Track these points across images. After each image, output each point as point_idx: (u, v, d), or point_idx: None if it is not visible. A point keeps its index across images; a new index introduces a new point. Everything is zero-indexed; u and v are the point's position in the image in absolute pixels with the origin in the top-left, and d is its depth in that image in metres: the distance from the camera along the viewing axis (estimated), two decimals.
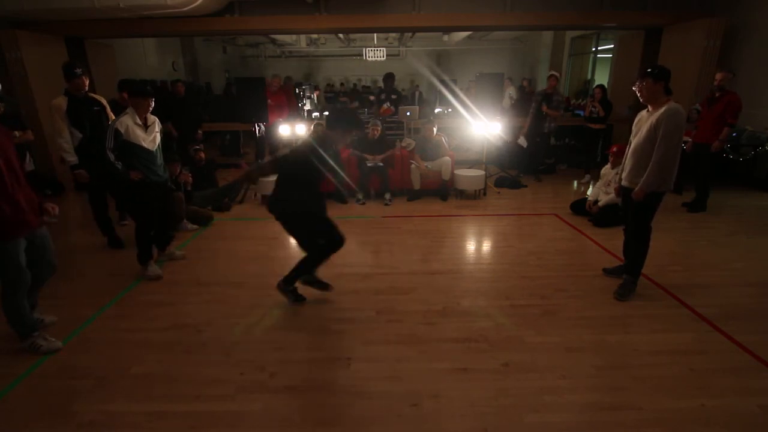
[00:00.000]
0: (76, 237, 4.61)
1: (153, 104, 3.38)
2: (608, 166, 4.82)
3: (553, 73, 6.63)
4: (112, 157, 3.25)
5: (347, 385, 2.28)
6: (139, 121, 3.32)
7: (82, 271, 3.78)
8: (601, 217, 4.60)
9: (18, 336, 2.54)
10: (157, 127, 3.50)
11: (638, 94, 2.88)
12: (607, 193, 4.65)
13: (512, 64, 14.46)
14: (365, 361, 2.47)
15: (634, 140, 2.98)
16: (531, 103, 6.76)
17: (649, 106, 2.90)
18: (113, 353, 2.56)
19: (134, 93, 3.33)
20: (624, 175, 3.10)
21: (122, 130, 3.24)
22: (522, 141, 6.70)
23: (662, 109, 2.77)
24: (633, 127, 3.05)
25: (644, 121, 2.90)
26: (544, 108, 6.44)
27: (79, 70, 3.72)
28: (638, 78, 2.85)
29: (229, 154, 8.91)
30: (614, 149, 4.67)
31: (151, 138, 3.41)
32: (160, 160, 3.51)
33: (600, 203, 4.67)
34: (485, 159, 6.15)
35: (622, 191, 3.19)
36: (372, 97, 9.75)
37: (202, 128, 6.71)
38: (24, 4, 5.57)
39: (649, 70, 2.81)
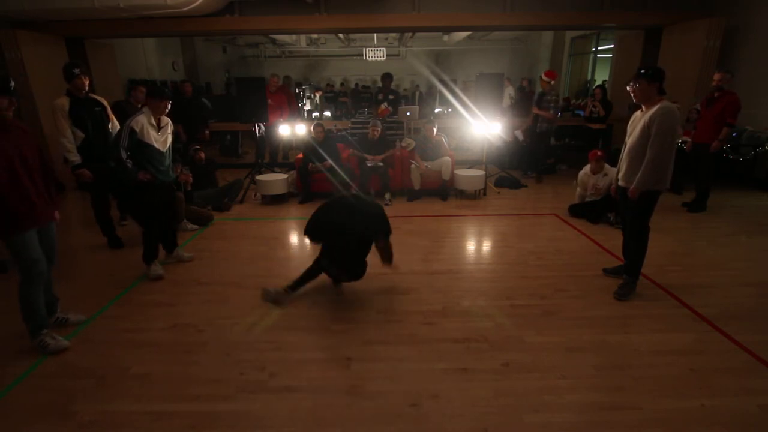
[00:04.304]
0: (76, 237, 4.61)
1: (169, 106, 3.39)
2: (587, 170, 4.84)
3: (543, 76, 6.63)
4: (124, 155, 3.25)
5: (347, 385, 2.28)
6: (153, 122, 3.34)
7: (82, 271, 3.78)
8: (591, 212, 4.72)
9: (29, 333, 2.57)
10: (170, 128, 3.52)
11: (632, 95, 2.89)
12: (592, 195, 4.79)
13: (512, 64, 14.46)
14: (365, 361, 2.47)
15: (629, 140, 3.00)
16: (530, 103, 6.79)
17: (642, 106, 2.91)
18: (113, 353, 2.56)
19: (152, 94, 3.36)
20: (620, 175, 3.11)
21: (137, 129, 3.25)
22: (518, 134, 6.72)
23: (655, 108, 2.78)
24: (628, 128, 3.07)
25: (638, 121, 2.92)
26: (534, 108, 6.49)
27: (77, 70, 3.72)
28: (632, 79, 2.85)
29: (228, 154, 8.91)
30: (599, 154, 4.72)
31: (163, 139, 3.43)
32: (169, 161, 3.51)
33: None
34: (485, 159, 6.16)
35: (618, 191, 3.20)
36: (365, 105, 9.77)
37: (209, 128, 6.71)
38: (24, 4, 5.57)
39: (643, 71, 2.82)
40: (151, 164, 3.36)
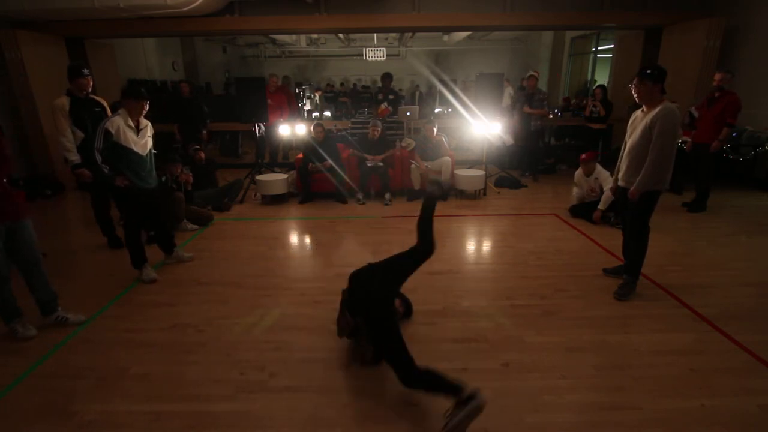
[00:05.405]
0: (76, 237, 4.61)
1: (147, 107, 3.25)
2: (580, 171, 4.85)
3: (532, 73, 6.74)
4: (99, 158, 3.10)
5: (347, 385, 2.28)
6: (131, 123, 3.18)
7: (82, 271, 3.78)
8: (591, 213, 4.71)
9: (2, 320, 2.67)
10: (149, 131, 3.37)
11: (635, 95, 2.89)
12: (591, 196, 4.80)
13: (512, 64, 14.46)
14: None
15: (629, 140, 3.00)
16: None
17: (643, 106, 2.91)
18: (113, 353, 2.56)
19: (127, 95, 3.18)
20: (620, 175, 3.12)
21: (113, 131, 3.09)
22: (507, 139, 6.73)
23: (657, 109, 2.78)
24: (628, 128, 3.06)
25: (639, 122, 2.91)
26: (526, 108, 6.53)
27: (86, 71, 3.73)
28: (636, 78, 2.84)
29: (228, 154, 8.91)
30: (583, 156, 4.72)
31: (143, 142, 3.27)
32: (150, 166, 3.36)
33: (600, 205, 4.67)
34: (485, 159, 6.16)
35: (618, 191, 3.20)
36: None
37: (207, 128, 6.70)
38: (24, 4, 5.57)
39: (648, 71, 2.80)
40: (129, 169, 3.21)
